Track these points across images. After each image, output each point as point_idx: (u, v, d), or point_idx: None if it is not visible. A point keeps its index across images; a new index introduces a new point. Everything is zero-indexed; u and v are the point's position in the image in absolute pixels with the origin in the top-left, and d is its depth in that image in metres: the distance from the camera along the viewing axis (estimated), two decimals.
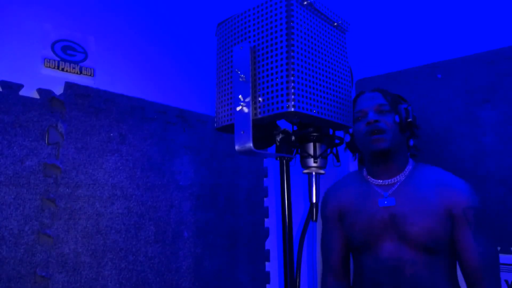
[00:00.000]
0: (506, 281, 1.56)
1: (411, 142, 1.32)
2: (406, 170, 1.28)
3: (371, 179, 1.31)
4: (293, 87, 0.63)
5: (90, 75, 1.49)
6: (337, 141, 0.82)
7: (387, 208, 1.23)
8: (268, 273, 1.94)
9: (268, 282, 1.94)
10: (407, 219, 1.19)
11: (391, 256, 1.21)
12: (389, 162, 1.27)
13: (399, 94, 1.37)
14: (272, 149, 0.79)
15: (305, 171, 0.79)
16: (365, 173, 1.35)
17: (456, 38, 1.77)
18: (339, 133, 0.86)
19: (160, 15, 1.80)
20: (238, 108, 0.67)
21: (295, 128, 0.81)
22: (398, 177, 1.27)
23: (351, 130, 1.38)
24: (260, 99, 0.67)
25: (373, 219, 1.25)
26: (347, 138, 1.38)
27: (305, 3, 0.67)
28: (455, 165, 1.63)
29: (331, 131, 0.81)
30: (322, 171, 0.79)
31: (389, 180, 1.27)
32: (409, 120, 1.24)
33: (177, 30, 1.84)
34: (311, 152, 0.77)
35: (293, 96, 0.63)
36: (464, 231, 1.16)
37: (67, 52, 1.45)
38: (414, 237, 1.17)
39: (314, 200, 0.78)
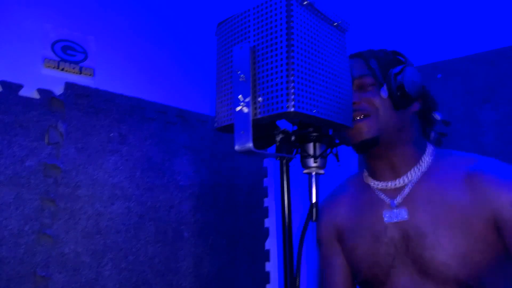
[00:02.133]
0: None
1: (439, 115, 0.91)
2: (421, 163, 0.88)
3: (372, 181, 0.93)
4: (293, 87, 0.63)
5: (90, 75, 1.49)
6: (337, 141, 0.82)
7: (397, 224, 0.85)
8: (268, 273, 1.94)
9: (268, 282, 1.94)
10: (427, 241, 0.80)
11: None
12: (388, 156, 0.88)
13: (398, 51, 0.94)
14: (272, 149, 0.79)
15: (305, 171, 0.79)
16: (365, 173, 0.98)
17: (456, 38, 1.77)
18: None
19: (160, 15, 1.79)
20: (238, 108, 0.67)
21: (295, 128, 0.81)
22: (408, 174, 0.87)
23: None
24: (260, 99, 0.67)
25: (378, 241, 0.87)
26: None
27: (305, 3, 0.67)
28: None
29: (331, 131, 0.81)
30: (322, 171, 0.78)
31: (396, 182, 0.88)
32: (404, 87, 0.83)
33: (177, 30, 1.84)
34: (311, 152, 0.77)
35: (293, 96, 0.63)
36: None
37: (67, 52, 1.45)
38: (440, 268, 0.78)
39: (314, 200, 0.78)
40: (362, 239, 0.90)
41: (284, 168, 0.75)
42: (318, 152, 0.77)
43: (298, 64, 0.64)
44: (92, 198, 1.37)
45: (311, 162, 0.77)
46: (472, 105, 1.64)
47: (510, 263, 0.80)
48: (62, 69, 1.42)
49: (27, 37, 1.36)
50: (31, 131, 1.27)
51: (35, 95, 1.31)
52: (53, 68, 1.40)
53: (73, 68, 1.45)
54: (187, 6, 1.89)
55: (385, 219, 0.87)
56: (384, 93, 0.85)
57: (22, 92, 1.28)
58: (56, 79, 1.38)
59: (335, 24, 0.75)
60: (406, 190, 0.87)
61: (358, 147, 0.88)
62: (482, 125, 1.62)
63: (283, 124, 0.79)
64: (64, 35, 1.45)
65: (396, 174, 0.89)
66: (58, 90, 1.36)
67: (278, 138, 0.76)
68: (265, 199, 2.00)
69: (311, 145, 0.77)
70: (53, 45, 1.42)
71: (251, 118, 0.66)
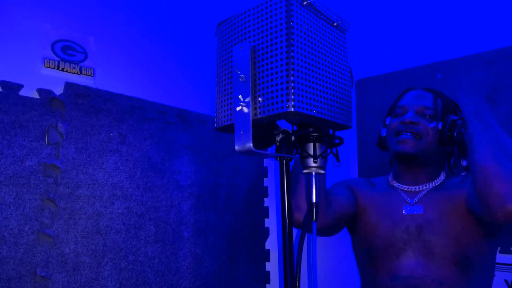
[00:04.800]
0: (506, 281, 1.56)
1: (465, 163, 1.15)
2: (437, 180, 1.14)
3: (396, 184, 1.18)
4: (293, 87, 0.63)
5: (90, 75, 1.49)
6: (337, 141, 0.82)
7: (413, 217, 1.09)
8: (268, 273, 1.94)
9: (268, 282, 1.94)
10: (435, 229, 1.05)
11: (413, 275, 1.04)
12: (417, 168, 1.14)
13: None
14: (272, 149, 0.79)
15: (305, 171, 0.79)
16: (390, 177, 1.23)
17: (456, 38, 1.77)
18: (339, 133, 0.86)
19: (160, 15, 1.79)
20: (238, 108, 0.67)
21: (295, 128, 0.81)
22: (426, 185, 1.14)
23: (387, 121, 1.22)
24: (260, 99, 0.67)
25: (396, 228, 1.10)
26: (383, 132, 1.23)
27: (305, 3, 0.67)
28: None
29: (331, 131, 0.81)
30: (322, 171, 0.79)
31: (416, 187, 1.14)
32: (452, 134, 1.07)
33: (177, 30, 1.84)
34: (311, 152, 0.77)
35: (293, 96, 0.63)
36: None
37: (67, 52, 1.45)
38: (441, 249, 1.03)
39: (314, 200, 0.78)
40: (383, 223, 1.13)
41: (284, 168, 0.75)
42: (318, 152, 0.77)
43: (298, 64, 0.65)
44: (92, 198, 1.37)
45: (311, 162, 0.77)
46: None
47: (488, 245, 1.06)
48: (62, 69, 1.42)
49: (27, 37, 1.36)
50: (31, 131, 1.27)
51: (35, 95, 1.31)
52: (53, 68, 1.40)
53: (73, 68, 1.45)
54: (187, 6, 1.89)
55: (404, 211, 1.11)
56: (439, 126, 1.09)
57: (22, 92, 1.28)
58: (56, 79, 1.38)
59: (335, 24, 0.75)
60: (422, 193, 1.13)
61: (399, 155, 1.13)
62: None
63: (283, 124, 0.79)
64: (64, 35, 1.45)
65: (417, 182, 1.15)
66: (58, 90, 1.36)
67: (278, 138, 0.76)
68: (265, 199, 2.00)
69: (311, 145, 0.77)
70: (53, 45, 1.42)
71: (251, 118, 0.66)
